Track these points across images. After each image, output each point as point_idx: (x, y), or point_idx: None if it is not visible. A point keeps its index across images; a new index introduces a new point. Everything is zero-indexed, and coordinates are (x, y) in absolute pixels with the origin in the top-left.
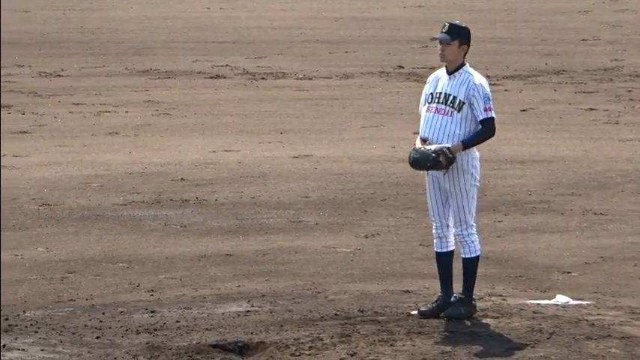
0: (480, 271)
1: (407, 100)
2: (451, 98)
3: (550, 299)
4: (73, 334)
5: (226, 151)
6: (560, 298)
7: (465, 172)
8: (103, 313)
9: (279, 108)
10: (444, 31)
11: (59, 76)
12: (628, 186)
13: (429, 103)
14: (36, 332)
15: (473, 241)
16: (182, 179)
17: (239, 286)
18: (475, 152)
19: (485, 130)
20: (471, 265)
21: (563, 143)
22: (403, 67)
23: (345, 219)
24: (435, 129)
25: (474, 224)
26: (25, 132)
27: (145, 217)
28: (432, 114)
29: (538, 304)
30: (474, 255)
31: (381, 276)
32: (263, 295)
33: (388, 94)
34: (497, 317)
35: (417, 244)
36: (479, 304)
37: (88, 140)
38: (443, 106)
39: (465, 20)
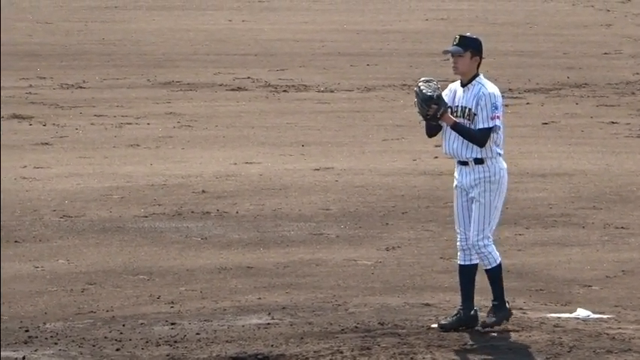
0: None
1: None
2: (467, 111)
3: (571, 313)
4: (93, 346)
5: (247, 163)
6: (581, 312)
7: (492, 182)
8: (124, 325)
9: (301, 120)
10: (455, 43)
11: (81, 87)
12: None
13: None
14: (56, 344)
15: (490, 252)
16: (203, 191)
17: (259, 298)
18: (502, 163)
19: (479, 134)
20: (495, 275)
21: (585, 157)
22: None
23: (365, 232)
24: (455, 142)
25: (490, 236)
26: (46, 143)
27: (166, 229)
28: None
29: (559, 317)
30: (494, 265)
31: (401, 289)
32: (283, 308)
33: (410, 106)
34: (518, 330)
35: (438, 257)
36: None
37: (110, 152)
38: (461, 120)
39: (487, 33)
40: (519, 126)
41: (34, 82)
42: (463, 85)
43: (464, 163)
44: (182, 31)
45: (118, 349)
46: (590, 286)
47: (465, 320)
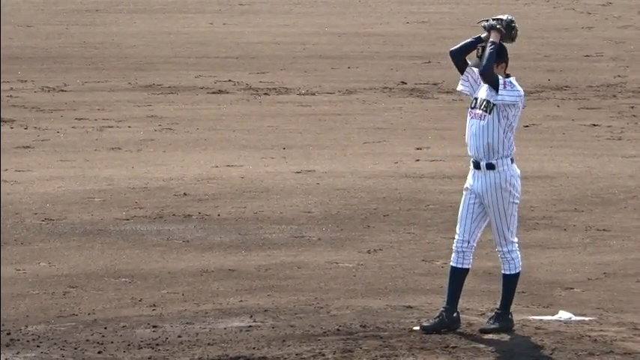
0: (482, 286)
1: (410, 116)
2: (485, 102)
3: (553, 315)
4: (75, 348)
5: (229, 166)
6: (563, 314)
7: (504, 190)
8: (105, 328)
9: (282, 123)
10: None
11: (62, 90)
12: (631, 202)
13: (471, 108)
14: (38, 347)
15: (514, 259)
16: (185, 194)
17: (241, 301)
18: (514, 170)
19: (491, 64)
20: (510, 282)
21: (566, 159)
22: (406, 83)
23: (347, 234)
24: (471, 133)
25: (515, 241)
26: (27, 147)
27: (148, 232)
28: (470, 119)
29: (541, 319)
30: (514, 272)
31: (383, 291)
32: (265, 311)
33: (391, 109)
34: (500, 333)
35: (420, 259)
36: (481, 320)
37: (91, 155)
38: (478, 111)
39: (468, 36)
40: None
41: (15, 85)
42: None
43: (477, 167)
44: (163, 34)
45: (99, 352)
46: (572, 288)
47: (448, 323)
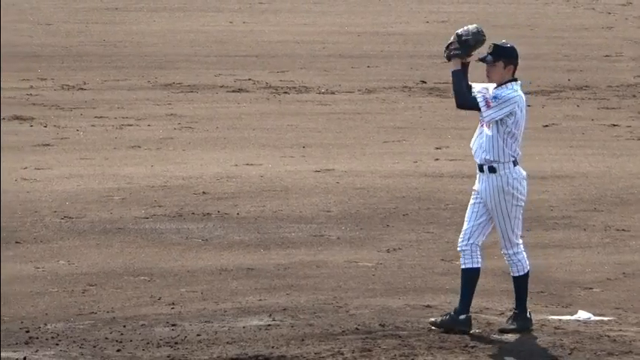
0: (501, 286)
1: (429, 115)
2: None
3: (572, 315)
4: (94, 347)
5: (248, 164)
6: (582, 314)
7: (506, 193)
8: (124, 326)
9: (302, 122)
10: (489, 52)
11: (82, 89)
12: None
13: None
14: (57, 345)
15: (519, 260)
16: (204, 193)
17: (260, 299)
18: (518, 172)
19: (464, 95)
20: (521, 283)
21: (586, 159)
22: (425, 82)
23: (366, 233)
24: (476, 142)
25: (520, 242)
26: (47, 145)
27: (167, 230)
28: (479, 125)
29: (560, 319)
30: (522, 273)
31: (402, 291)
32: (284, 309)
33: (410, 109)
34: (519, 333)
35: (439, 258)
36: (500, 319)
37: (110, 153)
38: (481, 118)
39: (488, 36)
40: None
41: (35, 83)
42: None
43: (481, 170)
44: (183, 33)
45: (118, 350)
46: (591, 288)
47: (453, 323)
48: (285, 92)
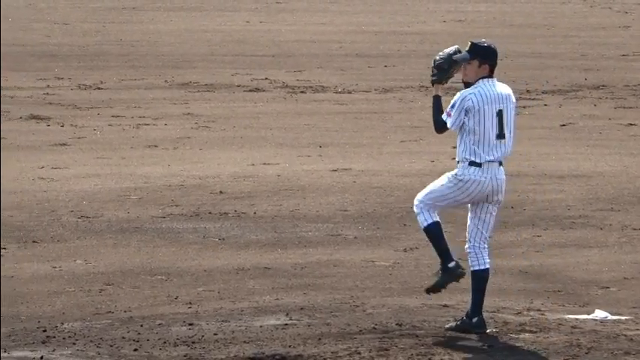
0: (518, 285)
1: None
2: None
3: (589, 314)
4: (111, 346)
5: (265, 164)
6: (599, 313)
7: (457, 179)
8: (141, 326)
9: (319, 121)
10: (466, 50)
11: (98, 88)
12: None
13: None
14: (74, 344)
15: (418, 214)
16: (221, 192)
17: (277, 299)
18: (475, 174)
19: (435, 120)
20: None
21: (603, 158)
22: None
23: (383, 233)
24: None
25: (425, 201)
26: (64, 144)
27: (184, 229)
28: None
29: (576, 318)
30: (424, 225)
31: (419, 290)
32: (301, 309)
33: (427, 108)
34: (536, 332)
35: (456, 258)
36: (518, 319)
37: (127, 153)
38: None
39: (505, 35)
40: (537, 127)
41: (52, 82)
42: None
43: None
44: (200, 32)
45: (135, 350)
46: (608, 287)
47: (468, 327)
48: (302, 92)
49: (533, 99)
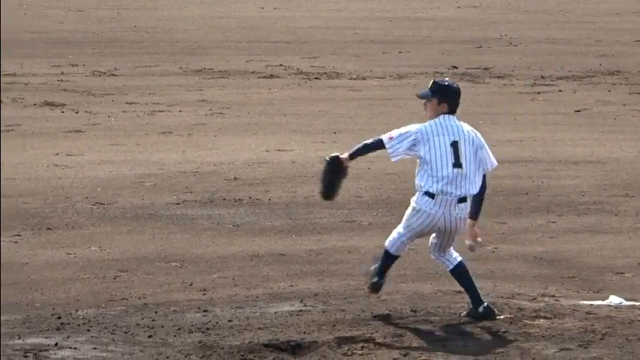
0: (533, 271)
1: (461, 101)
2: None
3: (603, 300)
4: (126, 332)
5: (280, 150)
6: (614, 299)
7: (412, 206)
8: (156, 312)
9: (333, 108)
10: (428, 87)
11: (113, 75)
12: None
13: None
14: (88, 331)
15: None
16: (235, 178)
17: (292, 285)
18: (428, 204)
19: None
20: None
21: (617, 144)
22: (457, 68)
23: (398, 219)
24: None
25: (404, 233)
26: (78, 131)
27: (198, 216)
28: None
29: (591, 304)
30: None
31: (433, 276)
32: (316, 295)
33: None
34: (550, 318)
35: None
36: (532, 305)
37: (142, 139)
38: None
39: (520, 21)
40: (552, 113)
41: (66, 69)
42: None
43: None
44: (214, 19)
45: (150, 336)
46: (622, 273)
47: (477, 318)
48: (317, 78)
49: (547, 85)
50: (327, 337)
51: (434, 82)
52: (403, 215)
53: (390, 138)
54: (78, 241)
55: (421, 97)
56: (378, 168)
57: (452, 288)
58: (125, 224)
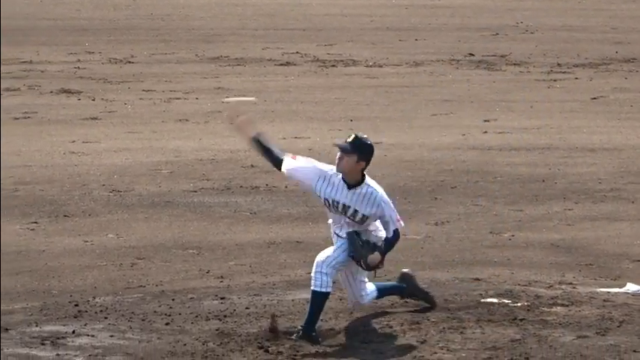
0: (550, 258)
1: (477, 88)
2: (352, 211)
3: (620, 287)
4: (143, 320)
5: (296, 137)
6: (631, 287)
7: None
8: (173, 300)
9: (349, 95)
10: (348, 140)
11: (129, 62)
12: None
13: (327, 207)
14: (106, 318)
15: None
16: (252, 166)
17: (309, 273)
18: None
19: (395, 238)
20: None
21: (634, 131)
22: (474, 55)
23: (415, 206)
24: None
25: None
26: (95, 118)
27: (215, 203)
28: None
29: (608, 292)
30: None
31: (450, 263)
32: (333, 283)
33: (458, 81)
34: (568, 305)
35: (487, 231)
36: (549, 292)
37: (158, 127)
38: (342, 217)
39: (536, 8)
40: (568, 101)
41: (83, 56)
42: (349, 186)
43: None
44: (230, 6)
45: (167, 324)
46: (639, 260)
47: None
48: (333, 65)
49: (564, 72)
50: (344, 324)
51: (356, 137)
52: (419, 203)
53: (399, 219)
54: (95, 229)
55: (341, 148)
56: (395, 155)
57: (468, 275)
58: (142, 212)
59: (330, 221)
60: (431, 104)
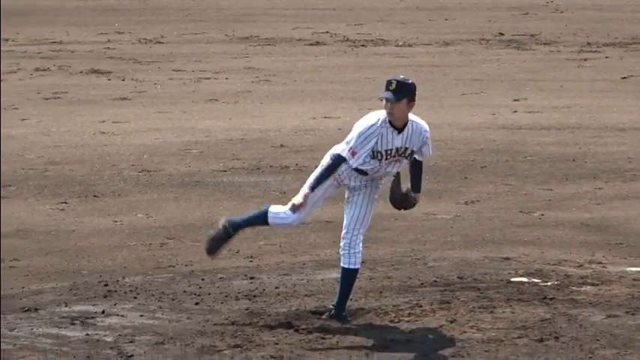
0: (579, 238)
1: (507, 67)
2: (405, 150)
3: None
4: (172, 300)
5: (326, 117)
6: None
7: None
8: (203, 279)
9: (379, 75)
10: (391, 89)
11: (159, 42)
12: None
13: (379, 160)
14: (135, 298)
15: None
16: (282, 145)
17: (338, 252)
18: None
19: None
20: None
21: None
22: (503, 34)
23: (444, 186)
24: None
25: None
26: (125, 98)
27: (245, 183)
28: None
29: (638, 271)
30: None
31: (480, 243)
32: (363, 262)
33: (488, 61)
34: (597, 284)
35: (517, 211)
36: (579, 272)
37: (188, 107)
38: (394, 159)
39: None
40: (598, 80)
41: (113, 37)
42: (398, 128)
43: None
44: None
45: (197, 303)
46: None
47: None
48: (363, 45)
49: (594, 51)
50: (373, 304)
51: (398, 82)
52: (449, 182)
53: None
54: (124, 209)
55: (388, 99)
56: None
57: (498, 254)
58: (172, 191)
59: (350, 180)
60: (461, 84)
